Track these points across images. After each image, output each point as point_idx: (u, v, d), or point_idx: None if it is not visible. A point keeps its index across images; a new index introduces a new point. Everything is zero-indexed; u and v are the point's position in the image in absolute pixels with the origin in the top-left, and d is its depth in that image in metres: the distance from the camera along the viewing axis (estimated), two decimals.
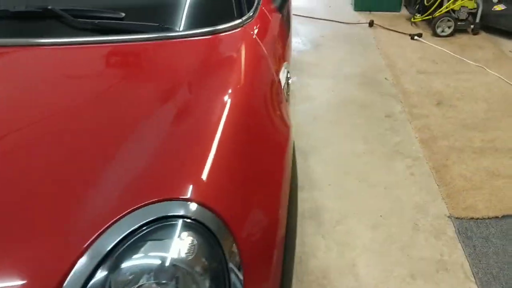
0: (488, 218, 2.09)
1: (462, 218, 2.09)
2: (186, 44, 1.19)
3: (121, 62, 1.13)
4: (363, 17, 4.32)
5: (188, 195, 0.79)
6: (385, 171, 2.38)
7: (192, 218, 0.78)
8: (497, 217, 2.09)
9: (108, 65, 1.13)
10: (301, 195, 2.22)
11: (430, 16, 3.95)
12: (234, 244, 0.80)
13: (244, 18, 1.30)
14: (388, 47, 3.74)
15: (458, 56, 3.54)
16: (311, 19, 4.34)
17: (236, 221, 0.82)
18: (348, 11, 4.51)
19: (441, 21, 3.86)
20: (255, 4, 1.42)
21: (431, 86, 3.16)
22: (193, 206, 0.79)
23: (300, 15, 4.40)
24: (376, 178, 2.33)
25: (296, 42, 3.88)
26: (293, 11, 4.40)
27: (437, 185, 2.28)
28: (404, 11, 4.45)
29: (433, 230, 2.03)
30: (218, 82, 1.04)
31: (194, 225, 0.78)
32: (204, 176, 0.83)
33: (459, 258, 1.89)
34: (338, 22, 4.25)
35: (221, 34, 1.24)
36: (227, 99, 0.99)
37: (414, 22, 4.15)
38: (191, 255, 0.76)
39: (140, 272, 0.73)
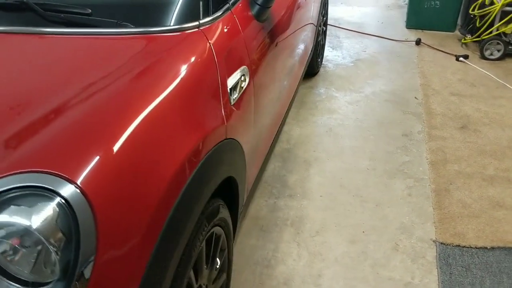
0: (476, 247, 2.00)
1: (447, 244, 2.01)
2: (133, 40, 1.29)
3: (66, 51, 1.25)
4: (414, 35, 4.22)
5: (65, 174, 0.88)
6: (382, 189, 2.34)
7: (61, 195, 0.86)
8: (485, 247, 1.99)
9: (59, 52, 1.26)
10: (290, 203, 2.25)
11: (480, 38, 3.79)
12: (93, 225, 0.87)
13: (200, 21, 1.38)
14: (428, 66, 3.64)
15: (499, 81, 3.37)
16: (358, 33, 4.31)
17: (103, 205, 0.89)
18: (399, 28, 4.43)
19: (489, 44, 3.69)
20: (221, 10, 1.49)
21: (460, 108, 3.04)
22: (65, 184, 0.87)
23: (347, 29, 4.39)
24: (371, 194, 2.30)
25: (336, 55, 3.88)
26: (342, 25, 4.41)
27: (432, 208, 2.21)
28: (458, 32, 4.29)
29: (412, 253, 1.97)
30: (134, 76, 1.13)
31: (61, 202, 0.86)
32: (87, 159, 0.91)
33: (430, 284, 1.83)
34: (385, 38, 4.19)
35: (170, 34, 1.33)
36: (136, 94, 1.07)
37: (465, 43, 3.99)
38: (48, 225, 0.84)
39: None
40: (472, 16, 3.94)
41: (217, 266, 1.47)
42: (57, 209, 0.86)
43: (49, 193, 0.86)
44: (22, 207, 0.85)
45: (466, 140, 2.71)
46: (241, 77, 1.45)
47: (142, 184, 0.97)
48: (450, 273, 1.88)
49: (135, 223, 0.94)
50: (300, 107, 3.11)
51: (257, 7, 1.65)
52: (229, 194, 1.54)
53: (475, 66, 3.60)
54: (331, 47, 4.02)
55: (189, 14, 1.41)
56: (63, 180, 0.87)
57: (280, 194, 2.31)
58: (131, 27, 1.33)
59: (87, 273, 0.85)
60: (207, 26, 1.40)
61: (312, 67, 3.40)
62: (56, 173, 0.87)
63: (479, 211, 2.18)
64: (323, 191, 2.33)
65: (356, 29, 4.40)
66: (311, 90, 3.32)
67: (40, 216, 0.84)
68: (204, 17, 1.42)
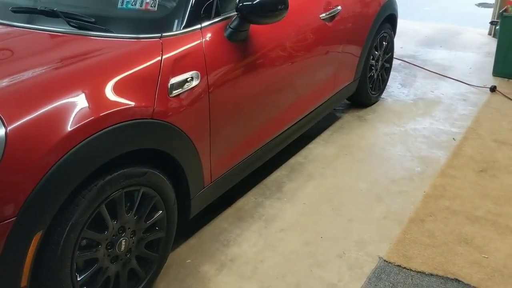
0: (415, 271, 2.11)
1: (389, 262, 2.16)
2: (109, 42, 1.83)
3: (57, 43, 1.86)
4: (496, 83, 4.14)
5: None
6: (363, 208, 2.53)
7: None
8: (424, 273, 2.09)
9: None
10: (274, 204, 2.57)
11: None
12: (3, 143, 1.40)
13: (162, 34, 1.87)
14: (489, 112, 3.60)
15: None
16: (437, 75, 4.36)
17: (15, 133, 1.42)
18: (485, 75, 4.35)
19: None
20: (190, 28, 1.96)
21: (492, 154, 3.01)
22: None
23: (427, 70, 4.46)
24: (350, 211, 2.51)
25: (401, 92, 4.02)
26: (428, 66, 4.50)
27: (398, 232, 2.34)
28: None
29: (352, 262, 2.17)
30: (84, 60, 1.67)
31: None
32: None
33: None
34: (462, 82, 4.18)
35: (133, 40, 1.85)
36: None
37: None
38: None
39: None
40: None
41: (149, 221, 1.89)
42: None
43: None
44: None
45: (477, 182, 2.72)
46: (187, 78, 1.88)
47: (47, 129, 1.47)
48: (375, 286, 2.03)
49: (33, 156, 1.43)
50: (336, 130, 3.37)
51: (229, 29, 2.08)
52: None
53: None
54: (401, 84, 4.17)
55: (155, 28, 1.92)
56: None
57: (271, 195, 2.64)
58: (110, 32, 1.88)
59: None
60: (169, 38, 1.89)
61: (362, 99, 3.63)
62: None
63: (441, 243, 2.25)
64: (309, 200, 2.60)
65: (440, 71, 4.44)
66: (355, 119, 3.55)
67: None
68: (168, 31, 1.91)
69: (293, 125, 2.74)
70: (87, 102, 1.57)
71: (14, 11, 2.13)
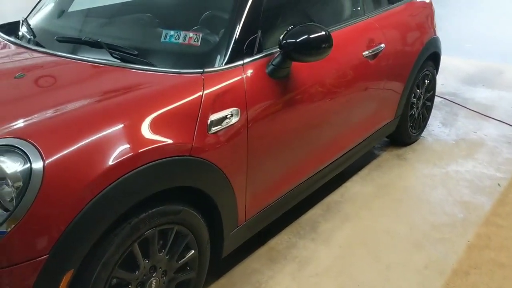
0: None
1: None
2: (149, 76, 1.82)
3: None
4: None
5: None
6: (402, 255, 2.41)
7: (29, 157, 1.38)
8: None
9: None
10: (309, 245, 2.48)
11: None
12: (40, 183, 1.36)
13: (204, 70, 1.85)
14: None
15: None
16: (479, 115, 4.21)
17: (51, 172, 1.39)
18: None
19: None
20: (232, 64, 1.93)
21: None
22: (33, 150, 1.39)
23: (469, 109, 4.32)
24: (388, 256, 2.40)
25: (442, 131, 3.89)
26: (469, 104, 4.37)
27: (440, 285, 2.21)
28: None
29: None
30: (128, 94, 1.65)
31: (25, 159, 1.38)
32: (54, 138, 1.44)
33: None
34: (506, 123, 4.02)
35: (175, 75, 1.83)
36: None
37: None
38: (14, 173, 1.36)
39: None
40: None
41: (181, 261, 1.83)
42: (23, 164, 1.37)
43: (21, 153, 1.38)
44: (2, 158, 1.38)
45: None
46: (227, 115, 1.84)
47: (85, 165, 1.44)
48: None
49: (70, 191, 1.40)
50: (373, 169, 3.27)
51: (271, 66, 2.04)
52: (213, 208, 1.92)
53: None
54: (441, 123, 4.04)
55: (198, 63, 1.90)
56: (33, 148, 1.39)
57: (305, 236, 2.55)
58: (153, 66, 1.87)
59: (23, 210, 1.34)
60: (210, 73, 1.86)
61: (402, 137, 3.53)
62: (30, 141, 1.40)
63: None
64: (345, 243, 2.50)
65: (481, 111, 4.30)
66: (394, 157, 3.44)
67: (11, 166, 1.36)
68: (211, 66, 1.88)
69: (331, 163, 2.66)
70: (126, 138, 1.54)
71: (60, 41, 2.15)
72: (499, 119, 4.12)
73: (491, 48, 6.71)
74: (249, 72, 1.98)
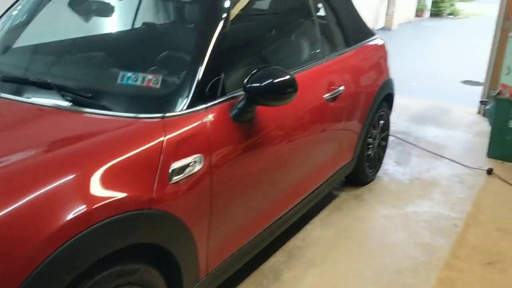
0: None
1: None
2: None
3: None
4: (490, 165, 4.08)
5: None
6: None
7: None
8: None
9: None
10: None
11: None
12: None
13: (165, 114, 1.73)
14: (487, 197, 3.50)
15: None
16: (431, 154, 4.29)
17: None
18: (479, 156, 4.30)
19: None
20: (195, 108, 1.82)
21: (497, 245, 2.88)
22: None
23: (421, 148, 4.40)
24: None
25: (397, 170, 3.92)
26: (421, 143, 4.45)
27: None
28: None
29: None
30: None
31: None
32: None
33: None
34: (457, 163, 4.11)
35: (133, 119, 1.70)
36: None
37: None
38: None
39: None
40: None
41: None
42: None
43: None
44: None
45: (485, 277, 2.57)
46: (190, 163, 1.73)
47: (29, 226, 1.28)
48: None
49: (14, 255, 1.23)
50: (333, 211, 3.22)
51: (235, 110, 1.95)
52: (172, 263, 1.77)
53: None
54: (396, 162, 4.08)
55: (158, 107, 1.79)
56: None
57: (269, 286, 2.43)
58: (108, 110, 1.73)
59: None
60: (172, 118, 1.74)
61: (359, 177, 3.51)
62: None
63: None
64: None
65: (433, 150, 4.39)
66: (352, 198, 3.41)
67: None
68: (172, 110, 1.77)
69: (294, 207, 2.58)
70: (78, 193, 1.39)
71: (4, 80, 1.98)
72: (450, 158, 4.21)
73: (435, 87, 6.99)
74: (213, 116, 1.88)
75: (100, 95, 1.83)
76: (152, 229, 1.61)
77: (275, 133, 2.22)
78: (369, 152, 3.48)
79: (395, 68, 7.81)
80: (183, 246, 1.77)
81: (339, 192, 3.51)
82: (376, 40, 3.50)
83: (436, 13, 16.43)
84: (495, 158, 4.24)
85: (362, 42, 3.25)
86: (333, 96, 2.68)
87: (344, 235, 2.92)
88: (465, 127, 5.16)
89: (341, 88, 2.76)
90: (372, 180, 3.69)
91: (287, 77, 1.96)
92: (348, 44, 3.06)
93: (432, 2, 16.06)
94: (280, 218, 2.46)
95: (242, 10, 2.23)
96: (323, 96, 2.61)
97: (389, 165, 4.02)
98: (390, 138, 4.53)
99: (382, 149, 3.75)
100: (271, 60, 2.57)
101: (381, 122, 3.59)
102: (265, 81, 1.91)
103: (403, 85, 6.85)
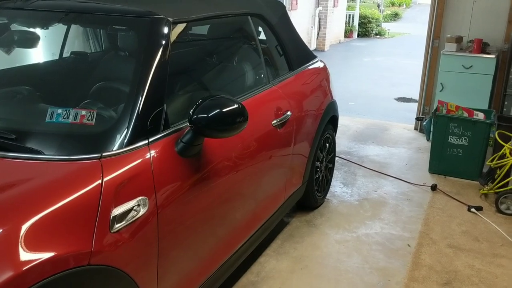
0: None
1: None
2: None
3: None
4: (434, 180, 4.13)
5: None
6: None
7: None
8: None
9: None
10: None
11: (496, 190, 3.64)
12: None
13: (102, 154, 1.54)
14: (435, 214, 3.52)
15: (508, 238, 3.16)
16: (376, 173, 4.30)
17: None
18: (422, 172, 4.36)
19: (505, 197, 3.52)
20: (135, 144, 1.64)
21: (452, 263, 2.86)
22: None
23: (366, 167, 4.40)
24: None
25: (345, 192, 3.88)
26: (365, 163, 4.44)
27: None
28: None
29: None
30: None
31: None
32: None
33: None
34: (402, 180, 4.14)
35: (68, 162, 1.49)
36: None
37: (484, 194, 3.84)
38: None
39: None
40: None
41: None
42: None
43: None
44: None
45: None
46: (133, 207, 1.54)
47: None
48: None
49: None
50: (286, 239, 3.09)
51: (181, 144, 1.79)
52: None
53: (486, 219, 3.42)
54: (343, 183, 4.04)
55: (93, 146, 1.59)
56: None
57: None
58: (36, 153, 1.51)
59: None
60: (110, 158, 1.55)
61: (309, 202, 3.42)
62: None
63: None
64: None
65: (377, 169, 4.40)
66: (304, 224, 3.31)
67: None
68: (110, 149, 1.57)
69: (247, 240, 2.42)
70: (4, 254, 1.17)
71: None
72: (395, 176, 4.23)
73: (372, 105, 7.14)
74: (156, 152, 1.71)
75: (25, 136, 1.62)
76: (93, 286, 1.40)
77: (224, 165, 2.08)
78: (317, 175, 3.41)
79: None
80: None
81: (290, 218, 3.39)
82: (318, 63, 3.46)
83: (364, 33, 17.05)
84: (437, 174, 4.31)
85: (305, 66, 3.19)
86: (282, 122, 2.58)
87: (299, 266, 2.79)
88: (405, 143, 5.25)
89: (289, 113, 2.67)
90: (322, 203, 3.61)
91: (235, 106, 1.83)
92: (291, 68, 2.99)
93: (359, 23, 16.66)
94: (234, 253, 2.30)
95: (183, 36, 2.09)
96: (272, 123, 2.50)
97: (337, 186, 3.97)
98: (335, 159, 4.52)
99: (329, 171, 3.69)
100: (216, 87, 2.44)
101: (327, 144, 3.54)
102: (213, 111, 1.77)
103: (342, 105, 6.94)
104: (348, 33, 16.07)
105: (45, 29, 2.30)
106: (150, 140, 1.72)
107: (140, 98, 1.74)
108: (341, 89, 8.05)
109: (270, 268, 2.76)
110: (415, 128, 5.78)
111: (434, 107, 4.59)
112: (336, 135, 5.32)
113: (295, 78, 2.99)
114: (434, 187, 3.96)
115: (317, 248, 3.01)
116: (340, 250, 3.00)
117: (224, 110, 1.79)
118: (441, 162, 4.28)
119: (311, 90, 3.17)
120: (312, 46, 12.93)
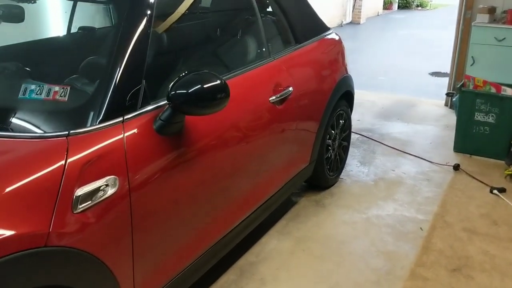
0: None
1: None
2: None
3: None
4: (458, 159, 3.93)
5: None
6: None
7: None
8: None
9: None
10: None
11: None
12: None
13: (70, 131, 1.49)
14: (454, 195, 3.34)
15: None
16: (397, 151, 4.13)
17: None
18: (446, 151, 4.15)
19: None
20: (108, 122, 1.59)
21: (464, 248, 2.71)
22: None
23: (387, 145, 4.23)
24: None
25: (361, 171, 3.74)
26: (386, 140, 4.28)
27: None
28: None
29: None
30: None
31: None
32: None
33: None
34: (423, 159, 3.95)
35: (33, 140, 1.46)
36: None
37: (510, 175, 3.62)
38: None
39: None
40: None
41: None
42: None
43: None
44: None
45: (452, 285, 2.39)
46: (100, 186, 1.49)
47: None
48: None
49: None
50: (291, 219, 3.01)
51: (159, 121, 1.72)
52: None
53: (508, 202, 3.23)
54: (360, 162, 3.90)
55: (64, 123, 1.55)
56: None
57: None
58: (4, 130, 1.49)
59: None
60: (78, 136, 1.50)
61: (320, 181, 3.32)
62: None
63: None
64: None
65: (398, 147, 4.22)
66: (312, 204, 3.21)
67: None
68: (80, 127, 1.53)
69: (241, 222, 2.36)
70: None
71: None
72: (416, 154, 4.05)
73: (403, 80, 6.86)
74: (132, 130, 1.65)
75: None
76: (54, 270, 1.37)
77: (211, 144, 2.00)
78: (328, 154, 3.29)
79: (362, 62, 7.73)
80: (100, 286, 1.54)
81: (299, 198, 3.30)
82: (331, 35, 3.30)
83: (404, 5, 16.43)
84: (462, 153, 4.10)
85: (314, 39, 3.04)
86: (281, 98, 2.47)
87: (301, 247, 2.71)
88: (432, 120, 5.02)
89: (290, 89, 2.55)
90: (335, 183, 3.50)
91: (217, 81, 1.74)
92: (297, 41, 2.86)
93: None
94: (225, 235, 2.24)
95: (169, 7, 2.00)
96: (269, 99, 2.39)
97: (353, 165, 3.84)
98: (355, 136, 4.37)
99: (343, 150, 3.56)
100: (207, 63, 2.35)
101: (341, 121, 3.40)
102: (192, 87, 1.69)
103: (371, 80, 6.74)
104: (387, 5, 15.51)
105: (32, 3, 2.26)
106: (126, 117, 1.66)
107: (116, 73, 1.67)
108: (372, 64, 7.80)
109: (270, 249, 2.69)
110: (446, 105, 5.52)
111: (461, 83, 4.34)
112: (360, 112, 5.18)
113: (301, 51, 2.85)
114: (456, 167, 3.76)
115: (322, 228, 2.92)
116: (347, 231, 2.89)
117: (205, 85, 1.71)
118: (467, 141, 4.06)
119: (320, 64, 3.03)
120: (347, 19, 12.55)
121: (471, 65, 4.85)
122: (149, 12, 1.84)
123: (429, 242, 2.78)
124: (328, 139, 3.24)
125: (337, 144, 3.40)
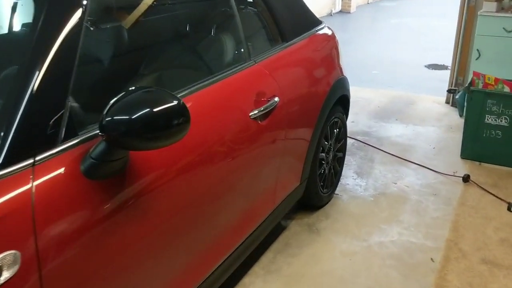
0: None
1: None
2: None
3: None
4: (466, 168, 3.48)
5: None
6: None
7: None
8: None
9: None
10: None
11: None
12: None
13: None
14: (467, 215, 2.89)
15: None
16: (397, 159, 3.67)
17: None
18: (453, 157, 3.70)
19: None
20: (15, 166, 1.10)
21: (486, 286, 2.26)
22: None
23: (386, 152, 3.77)
24: None
25: (358, 184, 3.28)
26: (384, 146, 3.82)
27: None
28: None
29: None
30: None
31: None
32: None
33: None
34: (428, 168, 3.50)
35: None
36: None
37: None
38: None
39: None
40: None
41: None
42: None
43: None
44: None
45: None
46: None
47: None
48: None
49: None
50: (280, 251, 2.54)
51: (89, 161, 1.22)
52: None
53: None
54: (356, 173, 3.43)
55: None
56: None
57: None
58: None
59: None
60: None
61: (312, 201, 2.85)
62: None
63: None
64: None
65: (399, 153, 3.76)
66: (305, 229, 2.74)
67: None
68: None
69: (221, 264, 1.88)
70: None
71: None
72: (419, 163, 3.59)
73: (398, 74, 6.40)
74: (46, 176, 1.15)
75: None
76: None
77: (171, 180, 1.51)
78: (322, 170, 2.81)
79: (354, 55, 7.23)
80: None
81: (289, 221, 2.83)
82: (323, 30, 2.81)
83: None
84: (470, 159, 3.65)
85: (304, 35, 2.54)
86: (264, 111, 1.98)
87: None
88: (434, 120, 4.56)
89: (276, 99, 2.06)
90: (329, 201, 3.03)
91: (173, 102, 1.24)
92: (284, 39, 2.36)
93: None
94: (206, 279, 1.76)
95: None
96: (250, 114, 1.90)
97: (349, 177, 3.37)
98: (350, 142, 3.91)
99: (338, 162, 3.08)
100: (164, 72, 1.83)
101: (336, 131, 2.92)
102: (138, 111, 1.18)
103: (364, 74, 6.27)
104: None
105: None
106: (39, 158, 1.16)
107: (25, 94, 1.18)
108: (365, 56, 7.32)
109: None
110: (447, 102, 5.06)
111: (469, 80, 3.89)
112: (354, 111, 4.70)
113: (289, 51, 2.36)
114: (466, 178, 3.31)
115: (317, 261, 2.45)
116: (346, 265, 2.43)
117: (155, 109, 1.21)
118: (476, 146, 3.61)
119: (311, 66, 2.53)
120: (336, 8, 12.04)
121: (477, 59, 4.40)
122: (81, 7, 1.33)
123: (444, 279, 2.33)
124: (321, 152, 2.76)
125: (331, 156, 2.93)
